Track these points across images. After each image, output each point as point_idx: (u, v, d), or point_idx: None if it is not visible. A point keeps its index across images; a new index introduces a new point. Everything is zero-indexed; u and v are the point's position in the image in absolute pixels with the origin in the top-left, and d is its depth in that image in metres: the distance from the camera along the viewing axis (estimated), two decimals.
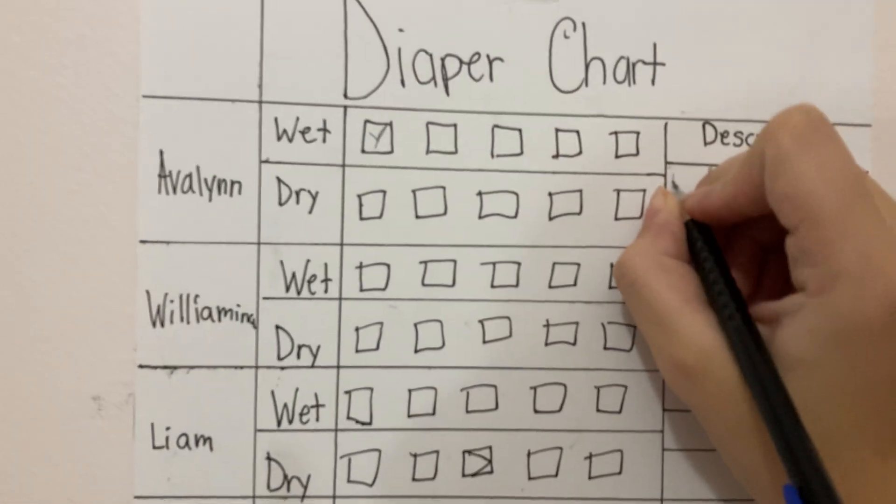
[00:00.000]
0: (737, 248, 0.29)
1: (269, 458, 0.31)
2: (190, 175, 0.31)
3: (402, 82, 0.32)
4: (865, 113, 0.32)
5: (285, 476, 0.31)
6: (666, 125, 0.32)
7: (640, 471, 0.32)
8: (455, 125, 0.32)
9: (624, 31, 0.32)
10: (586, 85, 0.32)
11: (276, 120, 0.31)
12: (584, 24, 0.32)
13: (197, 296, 0.31)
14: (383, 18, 0.31)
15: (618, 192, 0.32)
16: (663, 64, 0.32)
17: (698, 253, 0.28)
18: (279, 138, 0.31)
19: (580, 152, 0.32)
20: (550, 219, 0.32)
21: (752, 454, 0.25)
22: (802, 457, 0.22)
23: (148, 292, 0.31)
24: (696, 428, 0.32)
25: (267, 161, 0.31)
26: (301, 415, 0.32)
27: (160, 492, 0.31)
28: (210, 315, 0.31)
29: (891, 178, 0.32)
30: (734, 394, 0.25)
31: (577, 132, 0.32)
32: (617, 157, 0.32)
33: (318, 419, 0.32)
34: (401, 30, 0.32)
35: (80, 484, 0.31)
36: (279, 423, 0.31)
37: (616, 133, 0.32)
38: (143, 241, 0.31)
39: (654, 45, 0.32)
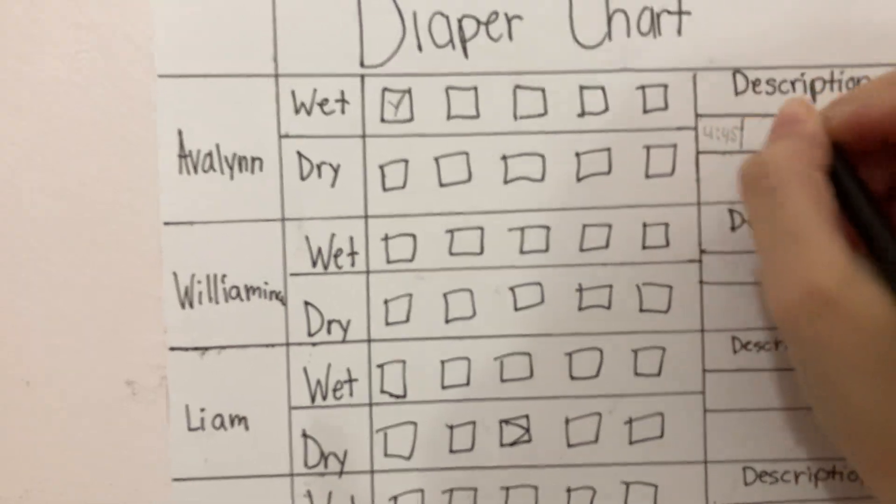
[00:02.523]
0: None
1: (304, 436, 0.31)
2: (210, 154, 0.31)
3: (419, 47, 0.31)
4: None
5: (322, 453, 0.31)
6: (695, 76, 0.31)
7: (682, 433, 0.31)
8: (475, 88, 0.31)
9: None
10: (610, 39, 0.31)
11: (293, 93, 0.31)
12: None
13: (224, 275, 0.31)
14: None
15: (647, 148, 0.31)
16: (689, 13, 0.31)
17: (845, 176, 0.25)
18: (297, 111, 0.31)
19: (606, 109, 0.31)
20: (578, 180, 0.31)
21: (886, 402, 0.23)
22: None
23: (175, 274, 0.31)
24: (738, 388, 0.31)
25: (286, 135, 0.31)
26: (335, 390, 0.31)
27: (197, 473, 0.31)
28: (238, 294, 0.31)
29: None
30: (878, 328, 0.22)
31: (603, 88, 0.31)
32: (645, 112, 0.31)
33: (351, 394, 0.31)
34: None
35: (118, 468, 0.31)
36: (313, 399, 0.31)
37: (643, 87, 0.31)
38: (167, 223, 0.31)
39: None
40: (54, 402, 0.31)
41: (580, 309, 0.31)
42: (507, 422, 0.31)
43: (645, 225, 0.31)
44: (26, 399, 0.31)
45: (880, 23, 0.31)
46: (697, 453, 0.31)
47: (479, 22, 0.31)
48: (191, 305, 0.31)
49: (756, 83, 0.31)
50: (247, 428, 0.31)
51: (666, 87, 0.31)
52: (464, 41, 0.31)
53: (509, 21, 0.31)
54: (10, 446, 0.31)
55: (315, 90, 0.31)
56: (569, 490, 0.31)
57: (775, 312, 0.24)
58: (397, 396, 0.31)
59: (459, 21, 0.31)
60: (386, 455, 0.31)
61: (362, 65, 0.31)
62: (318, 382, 0.31)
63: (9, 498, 0.31)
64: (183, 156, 0.31)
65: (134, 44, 0.31)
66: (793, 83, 0.31)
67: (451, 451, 0.31)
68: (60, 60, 0.31)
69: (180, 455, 0.31)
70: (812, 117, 0.26)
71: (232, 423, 0.31)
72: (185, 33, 0.30)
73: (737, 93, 0.31)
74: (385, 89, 0.31)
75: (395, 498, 0.31)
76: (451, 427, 0.31)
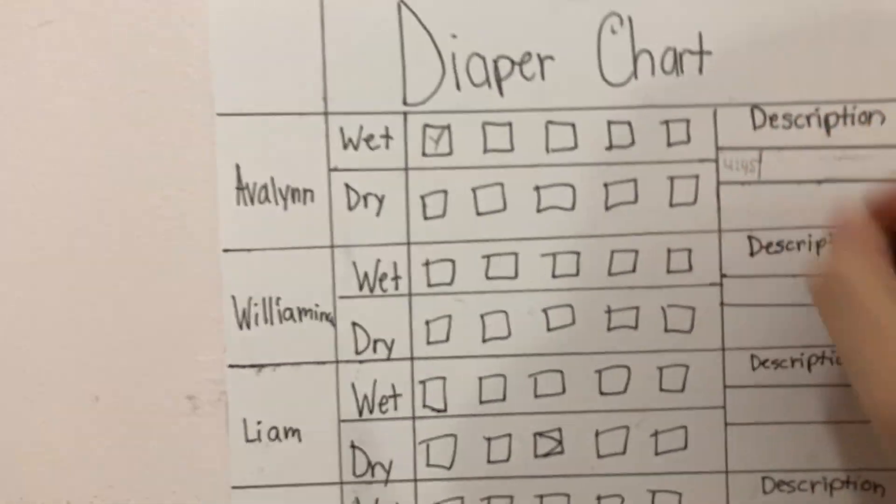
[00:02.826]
0: None
1: (353, 447, 0.34)
2: (265, 186, 0.33)
3: (458, 86, 0.33)
4: None
5: (369, 462, 0.34)
6: (715, 112, 0.33)
7: (705, 445, 0.34)
8: (510, 123, 0.33)
9: (669, 22, 0.33)
10: (636, 77, 0.33)
11: (341, 129, 0.33)
12: (630, 18, 0.33)
13: (279, 298, 0.33)
14: (436, 25, 0.33)
15: (671, 179, 0.33)
16: (710, 52, 0.33)
17: None
18: (345, 147, 0.33)
19: (633, 143, 0.33)
20: (607, 209, 0.33)
21: None
22: None
23: (233, 297, 0.33)
24: (757, 403, 0.33)
25: (335, 169, 0.33)
26: (380, 405, 0.34)
27: (255, 482, 0.34)
28: (291, 315, 0.34)
29: None
30: None
31: (629, 123, 0.33)
32: (669, 145, 0.33)
33: (396, 408, 0.34)
34: (454, 35, 0.33)
35: (181, 477, 0.34)
36: (360, 413, 0.34)
37: (667, 122, 0.33)
38: (225, 250, 0.33)
39: (700, 34, 0.33)
40: (121, 416, 0.34)
41: (609, 329, 0.34)
42: (540, 434, 0.34)
43: (669, 251, 0.33)
44: (95, 413, 0.34)
45: (890, 60, 0.33)
46: (719, 463, 0.34)
47: (513, 62, 0.33)
48: (248, 326, 0.33)
49: (773, 118, 0.33)
50: (300, 439, 0.34)
51: (688, 121, 0.33)
52: (499, 80, 0.33)
53: (542, 61, 0.33)
54: (80, 456, 0.34)
55: (361, 127, 0.33)
56: (599, 498, 0.34)
57: (879, 415, 0.24)
58: (438, 410, 0.34)
59: (495, 61, 0.33)
60: (428, 465, 0.34)
61: (405, 103, 0.33)
62: (365, 397, 0.34)
63: None
64: (240, 188, 0.33)
65: (194, 84, 0.33)
66: (808, 118, 0.33)
67: (489, 461, 0.34)
68: (125, 99, 0.33)
69: (239, 465, 0.33)
70: (866, 221, 0.27)
71: (286, 434, 0.34)
72: (241, 74, 0.33)
73: (755, 127, 0.33)
74: (426, 125, 0.33)
75: None
76: (489, 439, 0.34)
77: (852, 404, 0.32)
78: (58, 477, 0.34)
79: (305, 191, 0.33)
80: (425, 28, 0.33)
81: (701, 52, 0.33)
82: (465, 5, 0.33)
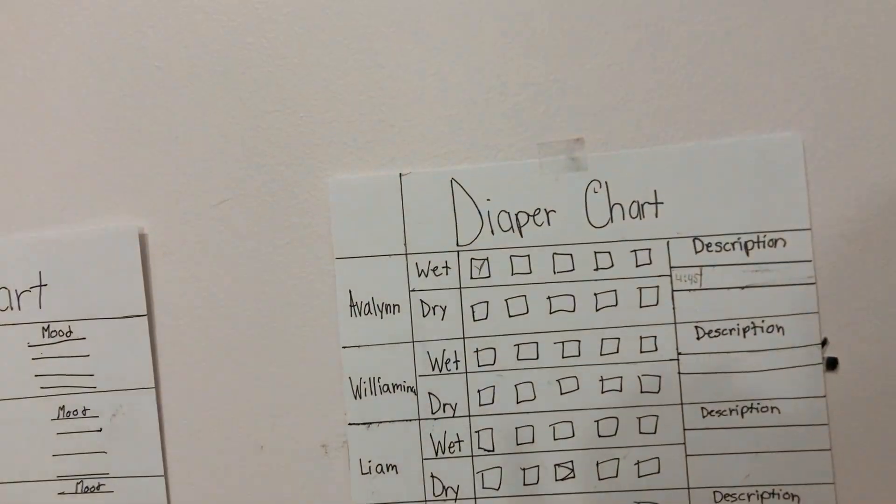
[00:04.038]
0: None
1: (432, 476, 0.50)
2: (368, 303, 0.51)
3: (492, 232, 0.50)
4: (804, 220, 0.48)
5: (444, 487, 0.50)
6: (668, 243, 0.49)
7: (672, 470, 0.49)
8: (528, 255, 0.50)
9: (633, 183, 0.49)
10: (612, 221, 0.49)
11: (416, 264, 0.50)
12: (606, 182, 0.49)
13: (379, 377, 0.51)
14: (477, 193, 0.50)
15: (640, 289, 0.49)
16: (662, 202, 0.49)
17: None
18: (419, 275, 0.50)
19: (612, 265, 0.49)
20: (597, 310, 0.50)
21: None
22: None
23: (350, 378, 0.51)
24: (707, 440, 0.49)
25: (414, 290, 0.50)
26: (449, 448, 0.50)
27: (368, 501, 0.50)
28: (388, 389, 0.51)
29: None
30: None
31: (609, 252, 0.49)
32: (637, 266, 0.49)
33: (460, 450, 0.50)
34: (488, 199, 0.50)
35: (315, 501, 0.51)
36: (436, 453, 0.50)
37: (635, 251, 0.49)
38: (344, 347, 0.51)
39: (655, 191, 0.49)
40: (278, 460, 0.51)
41: (602, 392, 0.49)
42: (559, 465, 0.50)
43: (641, 337, 0.49)
44: (260, 459, 0.51)
45: (784, 202, 0.48)
46: (683, 482, 0.49)
47: (528, 215, 0.50)
48: (360, 397, 0.51)
49: (708, 245, 0.49)
50: (397, 472, 0.50)
51: (650, 249, 0.49)
52: (520, 227, 0.50)
53: (548, 213, 0.50)
54: (251, 485, 0.51)
55: (429, 261, 0.50)
56: None
57: None
58: (488, 450, 0.50)
59: (516, 215, 0.50)
60: (483, 488, 0.50)
61: (457, 245, 0.50)
62: (439, 443, 0.50)
63: None
64: (352, 305, 0.51)
65: (320, 237, 0.51)
66: (732, 244, 0.49)
67: (524, 484, 0.50)
68: (275, 249, 0.51)
69: (357, 491, 0.50)
70: None
71: (387, 469, 0.50)
72: (352, 230, 0.50)
73: (696, 252, 0.49)
74: (472, 259, 0.50)
75: None
76: (524, 469, 0.50)
77: (773, 438, 0.47)
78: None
79: (394, 305, 0.51)
80: (469, 195, 0.50)
81: (656, 203, 0.49)
82: (495, 179, 0.50)
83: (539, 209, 0.50)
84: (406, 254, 0.50)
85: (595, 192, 0.49)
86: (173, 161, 0.52)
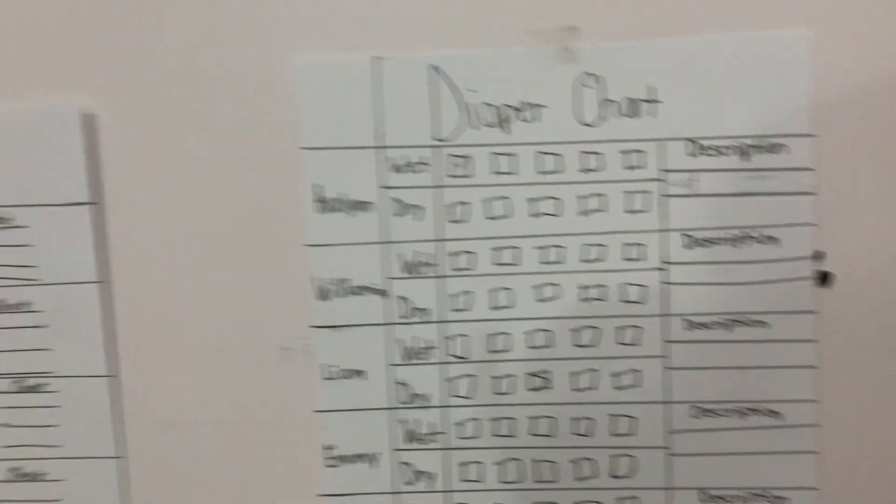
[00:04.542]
0: None
1: (400, 383, 0.48)
2: (336, 199, 0.47)
3: (475, 126, 0.46)
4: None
5: (413, 395, 0.48)
6: (663, 144, 0.45)
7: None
8: (512, 154, 0.46)
9: (629, 78, 0.45)
10: (604, 119, 0.45)
11: (389, 158, 0.46)
12: (600, 77, 0.45)
13: (346, 278, 0.47)
14: (459, 83, 0.46)
15: (629, 193, 0.46)
16: (660, 101, 0.45)
17: None
18: (393, 171, 0.46)
19: (601, 167, 0.46)
20: (582, 214, 0.46)
21: None
22: None
23: (314, 279, 0.47)
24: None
25: (386, 186, 0.47)
26: (418, 354, 0.48)
27: (334, 407, 0.48)
28: (355, 291, 0.47)
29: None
30: None
31: (599, 153, 0.46)
32: (628, 168, 0.46)
33: (430, 357, 0.48)
34: (471, 90, 0.46)
35: (275, 406, 0.48)
36: (405, 359, 0.48)
37: (626, 151, 0.46)
38: (309, 245, 0.47)
39: (653, 88, 0.45)
40: (237, 364, 0.48)
41: (582, 301, 0.47)
42: (532, 375, 0.47)
43: (626, 244, 0.46)
44: (218, 361, 0.48)
45: (788, 105, 0.45)
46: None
47: (514, 109, 0.46)
48: (326, 299, 0.47)
49: (705, 148, 0.45)
50: (364, 378, 0.48)
51: (643, 152, 0.46)
52: (505, 122, 0.46)
53: (535, 108, 0.46)
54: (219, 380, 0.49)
55: (405, 156, 0.46)
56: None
57: None
58: (460, 358, 0.48)
59: (502, 108, 0.46)
60: (451, 396, 0.48)
61: (435, 139, 0.46)
62: (408, 349, 0.48)
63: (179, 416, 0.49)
64: (319, 201, 0.47)
65: (282, 123, 0.47)
66: (731, 148, 0.45)
67: (495, 392, 0.48)
68: (237, 138, 0.47)
69: (321, 397, 0.48)
70: None
71: (353, 375, 0.48)
72: (318, 115, 0.46)
73: (691, 154, 0.45)
74: (451, 155, 0.46)
75: (458, 424, 0.48)
76: (495, 378, 0.48)
77: (760, 353, 0.45)
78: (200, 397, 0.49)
79: (365, 202, 0.47)
80: (450, 84, 0.46)
81: (652, 101, 0.45)
82: (479, 67, 0.45)
83: (526, 103, 0.46)
84: (378, 147, 0.46)
85: (587, 87, 0.45)
86: (125, 37, 0.47)
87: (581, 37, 0.45)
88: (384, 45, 0.46)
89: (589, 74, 0.45)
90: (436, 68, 0.46)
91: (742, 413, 0.47)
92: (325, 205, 0.47)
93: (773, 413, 0.47)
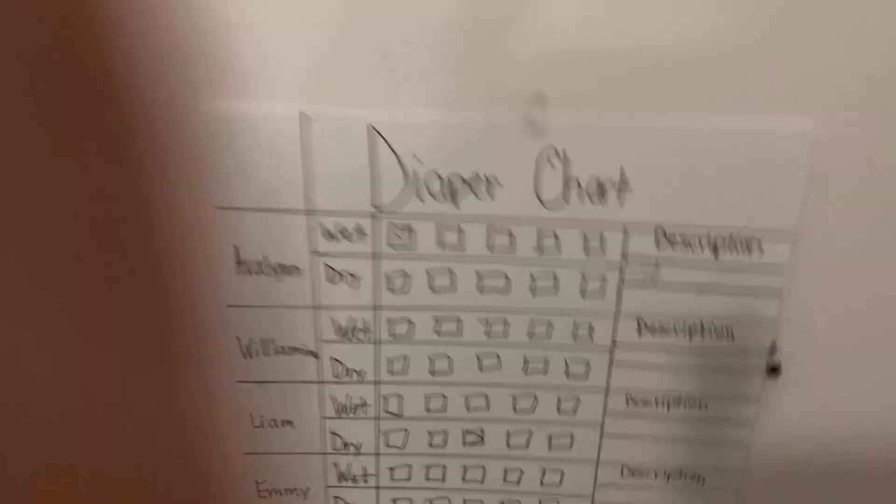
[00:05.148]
0: None
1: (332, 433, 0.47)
2: (260, 262, 0.42)
3: (419, 197, 0.40)
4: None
5: (344, 443, 0.47)
6: (626, 228, 0.41)
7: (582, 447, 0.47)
8: (461, 228, 0.41)
9: (597, 157, 0.39)
10: (565, 202, 0.40)
11: (322, 224, 0.41)
12: (565, 152, 0.39)
13: (273, 339, 0.44)
14: (402, 148, 0.39)
15: (583, 275, 0.42)
16: (628, 183, 0.39)
17: None
18: (326, 237, 0.41)
19: (558, 250, 0.41)
20: (531, 292, 0.42)
21: None
22: None
23: (238, 338, 0.44)
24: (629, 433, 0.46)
25: (318, 252, 0.41)
26: (353, 409, 0.46)
27: (264, 450, 0.47)
28: (284, 351, 0.44)
29: None
30: None
31: (558, 236, 0.41)
32: (586, 252, 0.41)
33: (365, 413, 0.46)
34: (416, 157, 0.39)
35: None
36: (338, 413, 0.46)
37: (587, 235, 0.41)
38: (230, 306, 0.43)
39: (622, 169, 0.39)
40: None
41: (526, 374, 0.45)
42: (468, 432, 0.47)
43: (576, 324, 0.43)
44: None
45: (767, 196, 0.40)
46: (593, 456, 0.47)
47: (465, 181, 0.40)
48: (250, 356, 0.44)
49: (671, 237, 0.41)
50: (293, 427, 0.46)
51: (604, 237, 0.41)
52: (454, 194, 0.40)
53: (489, 182, 0.40)
54: None
55: (339, 223, 0.41)
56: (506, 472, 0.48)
57: None
58: (395, 414, 0.46)
59: (450, 178, 0.40)
60: (387, 446, 0.47)
61: (374, 206, 0.40)
62: (342, 405, 0.46)
63: None
64: (239, 262, 0.42)
65: (201, 178, 0.40)
66: (700, 240, 0.41)
67: (430, 445, 0.47)
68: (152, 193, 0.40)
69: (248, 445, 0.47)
70: None
71: (282, 424, 0.46)
72: (236, 172, 0.40)
73: (656, 243, 0.41)
74: (391, 223, 0.41)
75: (391, 469, 0.48)
76: (430, 433, 0.47)
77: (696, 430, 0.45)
78: None
79: (293, 267, 0.42)
80: (391, 149, 0.39)
81: (621, 183, 0.39)
82: (426, 133, 0.38)
83: (479, 175, 0.40)
84: (309, 211, 0.40)
85: (549, 163, 0.39)
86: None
87: (548, 107, 0.38)
88: (313, 96, 0.38)
89: (554, 149, 0.39)
90: (374, 129, 0.39)
91: (668, 477, 0.48)
92: (244, 266, 0.42)
93: (698, 477, 0.48)
